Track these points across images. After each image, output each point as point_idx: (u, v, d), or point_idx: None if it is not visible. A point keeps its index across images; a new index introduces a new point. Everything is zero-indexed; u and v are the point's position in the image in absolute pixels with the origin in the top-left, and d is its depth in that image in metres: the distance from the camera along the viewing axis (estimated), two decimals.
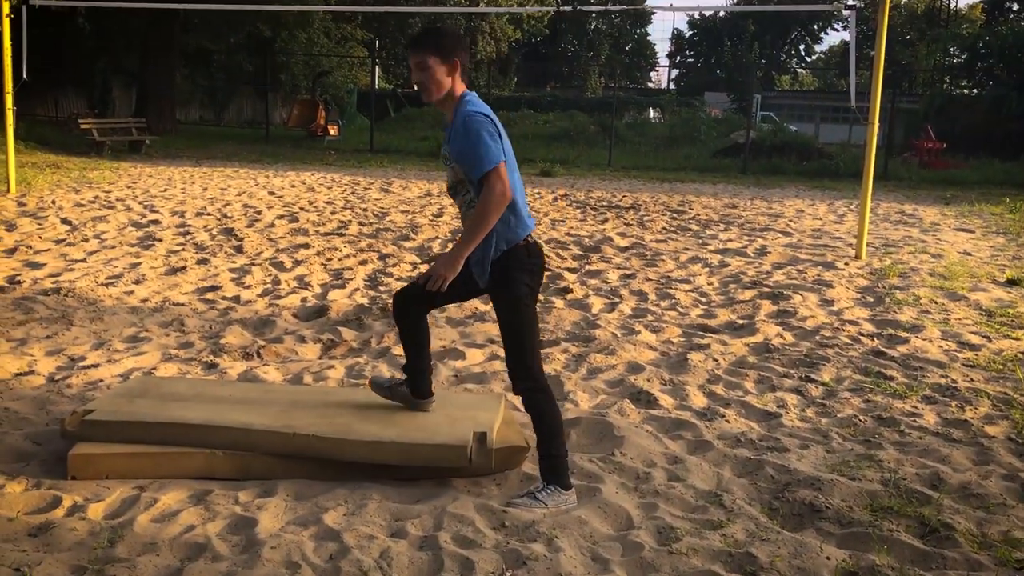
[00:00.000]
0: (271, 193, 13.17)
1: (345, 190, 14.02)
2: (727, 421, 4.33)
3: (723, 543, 3.08)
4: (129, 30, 23.99)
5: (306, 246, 8.76)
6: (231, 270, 7.59)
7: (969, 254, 9.47)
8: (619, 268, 8.17)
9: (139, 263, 7.70)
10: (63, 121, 24.18)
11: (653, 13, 68.02)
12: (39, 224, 9.45)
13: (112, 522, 3.12)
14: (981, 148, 23.58)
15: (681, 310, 6.64)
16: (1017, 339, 5.94)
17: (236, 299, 6.60)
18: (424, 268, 7.25)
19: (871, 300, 7.07)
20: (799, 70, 69.54)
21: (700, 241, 9.95)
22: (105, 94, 29.41)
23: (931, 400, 4.69)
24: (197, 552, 2.93)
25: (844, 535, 3.18)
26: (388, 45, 32.04)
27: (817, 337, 5.89)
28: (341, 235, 9.50)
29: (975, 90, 30.39)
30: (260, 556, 2.89)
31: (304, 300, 6.63)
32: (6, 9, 11.40)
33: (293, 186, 14.27)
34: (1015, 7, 36.25)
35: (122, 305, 6.25)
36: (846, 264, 8.62)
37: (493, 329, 5.91)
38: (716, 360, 5.31)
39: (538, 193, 14.61)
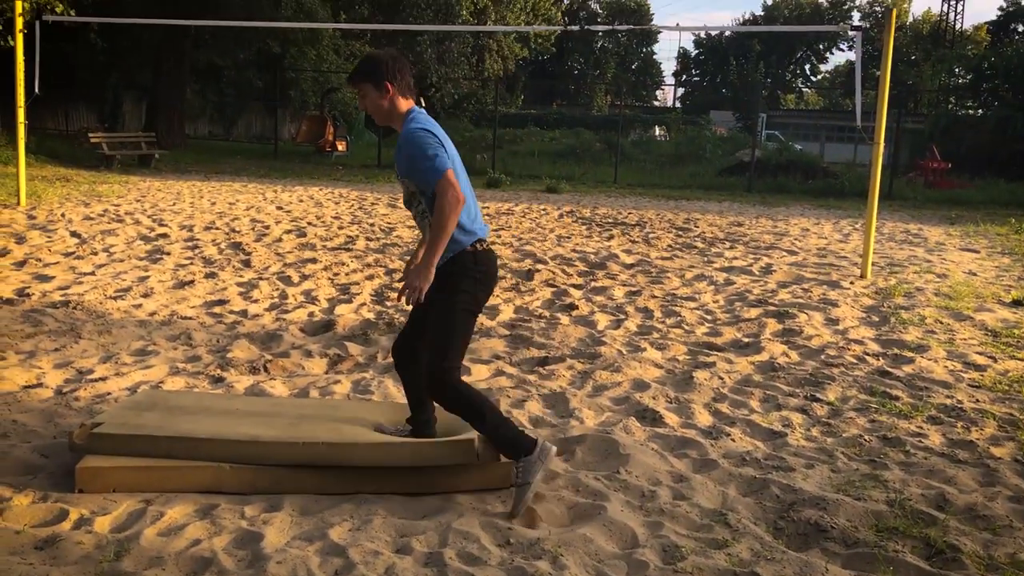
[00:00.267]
0: (279, 208, 13.23)
1: (352, 205, 14.07)
2: (732, 440, 4.33)
3: (728, 562, 3.08)
4: (141, 46, 24.15)
5: (313, 261, 8.79)
6: (239, 284, 7.62)
7: (974, 274, 9.47)
8: (625, 285, 8.19)
9: (147, 276, 7.74)
10: (73, 135, 24.30)
11: (659, 32, 68.49)
12: (48, 237, 9.50)
13: (119, 536, 3.13)
14: (986, 168, 23.60)
15: (686, 328, 6.65)
16: (1023, 360, 5.94)
17: (243, 313, 6.63)
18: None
19: (876, 320, 7.07)
20: (804, 89, 69.75)
21: (705, 259, 9.97)
22: (115, 108, 29.55)
23: (937, 420, 4.68)
24: (203, 566, 2.94)
25: (849, 555, 3.18)
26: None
27: (822, 356, 5.89)
28: (348, 250, 9.53)
29: (980, 110, 30.42)
30: (266, 571, 2.90)
31: (311, 315, 6.65)
32: (20, 24, 11.51)
33: (301, 201, 14.33)
34: (1020, 28, 36.35)
35: (130, 318, 6.28)
36: (851, 283, 8.62)
37: (499, 345, 5.93)
38: (721, 378, 5.32)
39: (544, 209, 14.65)
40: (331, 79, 29.59)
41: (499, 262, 8.92)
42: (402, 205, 3.77)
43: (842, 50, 66.15)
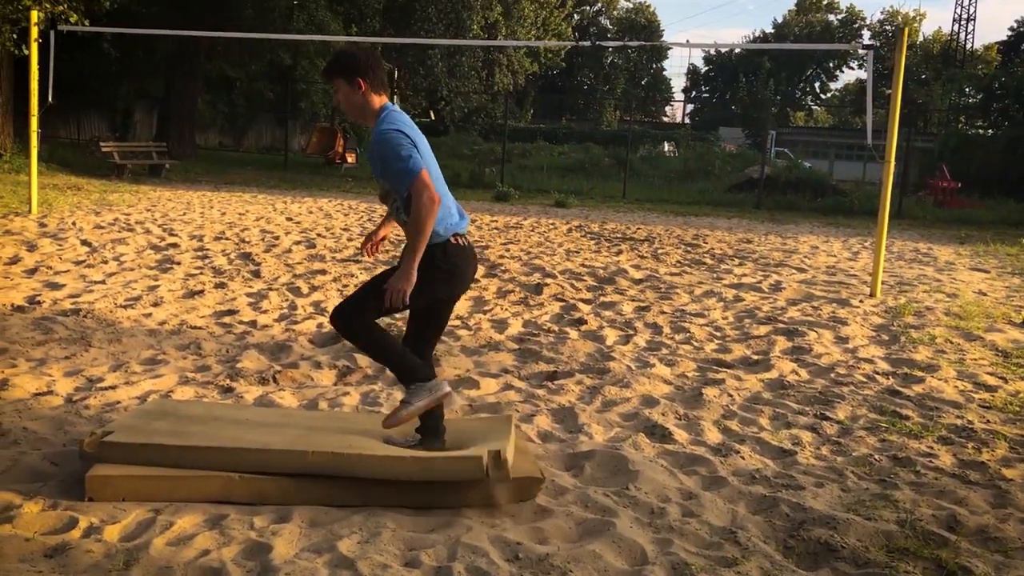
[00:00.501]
0: (289, 219, 13.27)
1: (362, 217, 14.11)
2: (742, 457, 4.31)
3: None
4: (154, 56, 24.34)
5: (323, 272, 8.81)
6: (248, 295, 7.64)
7: (984, 294, 9.43)
8: (633, 300, 8.18)
9: (157, 286, 7.77)
10: (85, 144, 24.46)
11: (669, 48, 68.72)
12: (59, 245, 9.55)
13: (128, 544, 3.13)
14: (996, 188, 23.57)
15: (696, 344, 6.64)
16: None
17: (253, 323, 6.64)
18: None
19: (886, 338, 7.05)
20: (814, 107, 69.80)
21: (714, 275, 9.96)
22: (127, 118, 29.76)
23: (947, 441, 4.66)
24: None
25: (860, 575, 3.16)
26: (407, 75, 32.37)
27: (832, 374, 5.88)
28: (357, 262, 9.55)
29: (991, 130, 30.41)
30: None
31: (320, 326, 6.66)
32: (35, 34, 11.61)
33: (311, 212, 14.38)
34: None
35: (140, 327, 6.30)
36: (861, 302, 8.60)
37: (508, 359, 5.93)
38: (731, 395, 5.30)
39: (552, 224, 14.67)
40: None
41: (507, 276, 9.00)
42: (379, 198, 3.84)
43: (852, 68, 66.32)
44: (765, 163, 23.57)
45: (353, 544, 3.20)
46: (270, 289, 7.90)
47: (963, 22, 56.58)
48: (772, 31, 66.17)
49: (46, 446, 3.98)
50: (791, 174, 24.33)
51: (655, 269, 10.19)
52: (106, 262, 8.76)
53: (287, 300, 7.50)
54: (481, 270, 9.40)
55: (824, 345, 6.70)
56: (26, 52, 12.39)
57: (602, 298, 8.25)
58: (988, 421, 4.99)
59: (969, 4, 56.14)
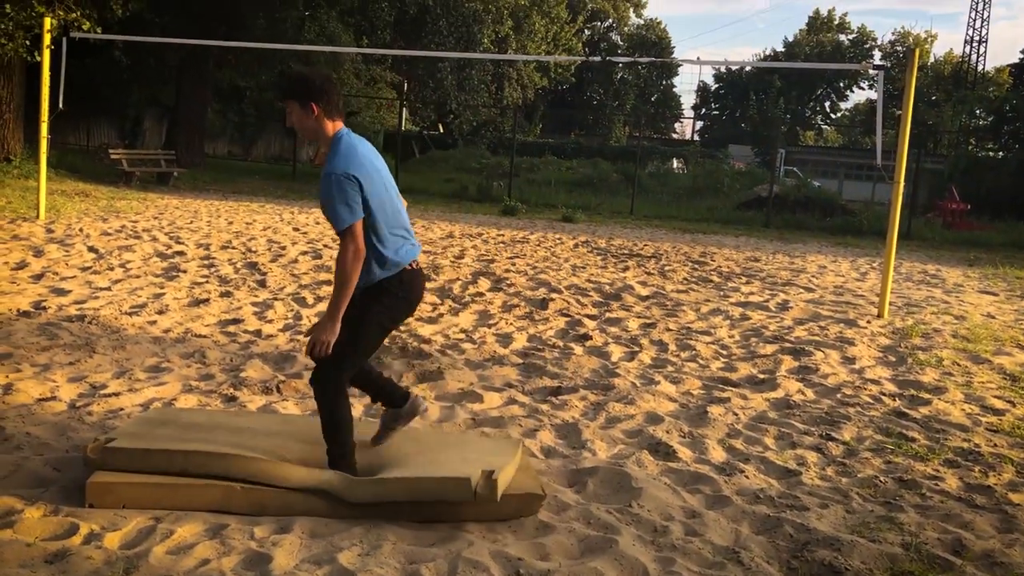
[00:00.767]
0: (296, 229, 13.30)
1: None
2: (746, 477, 4.29)
3: None
4: (164, 65, 24.49)
5: (328, 283, 8.81)
6: (254, 304, 7.65)
7: (993, 317, 9.39)
8: (639, 317, 8.16)
9: (163, 293, 7.78)
10: (94, 150, 24.58)
11: (680, 65, 68.79)
12: (66, 251, 9.57)
13: (128, 552, 3.11)
14: (1006, 210, 23.51)
15: (701, 362, 6.61)
16: None
17: (258, 333, 6.64)
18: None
19: (893, 360, 7.02)
20: (824, 126, 69.86)
21: (721, 293, 9.93)
22: (136, 125, 29.94)
23: (953, 464, 4.62)
24: None
25: None
26: (416, 88, 32.50)
27: (838, 395, 5.84)
28: None
29: (1001, 152, 30.39)
30: None
31: None
32: (47, 40, 11.68)
33: (317, 223, 14.40)
34: None
35: (145, 335, 6.30)
36: (868, 322, 8.57)
37: (512, 374, 5.91)
38: (736, 414, 5.27)
39: (559, 239, 14.67)
40: (351, 103, 29.86)
41: (513, 290, 8.99)
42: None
43: (862, 88, 66.36)
44: (774, 182, 23.57)
45: (354, 556, 3.18)
46: (275, 299, 7.90)
47: (975, 44, 56.59)
48: (783, 50, 66.35)
49: (48, 451, 3.97)
50: (800, 193, 24.33)
51: (662, 286, 10.17)
52: (112, 269, 8.78)
53: (292, 310, 7.50)
54: (487, 284, 9.39)
55: (831, 365, 6.67)
56: (38, 58, 12.46)
57: (608, 314, 8.23)
58: (995, 445, 4.95)
59: (981, 26, 56.31)
